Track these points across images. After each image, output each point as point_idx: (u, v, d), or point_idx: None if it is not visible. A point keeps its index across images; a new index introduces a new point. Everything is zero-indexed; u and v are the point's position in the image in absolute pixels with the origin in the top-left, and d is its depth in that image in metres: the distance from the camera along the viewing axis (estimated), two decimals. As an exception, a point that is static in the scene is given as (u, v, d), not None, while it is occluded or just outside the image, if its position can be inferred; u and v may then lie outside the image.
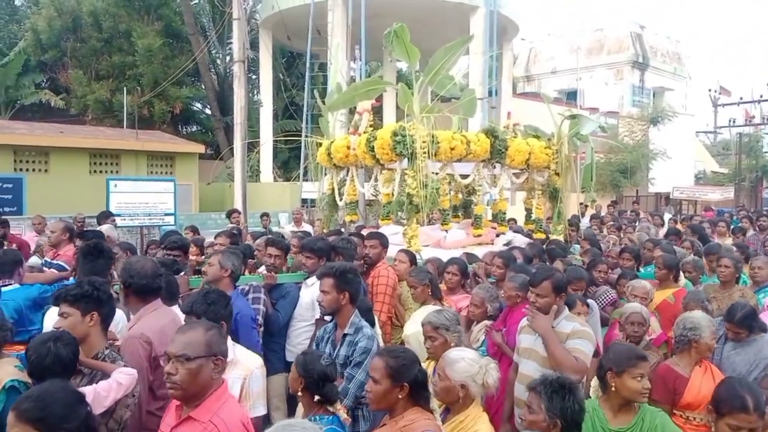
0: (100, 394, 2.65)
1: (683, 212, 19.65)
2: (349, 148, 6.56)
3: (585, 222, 12.49)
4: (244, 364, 3.18)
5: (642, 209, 17.55)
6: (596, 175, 20.95)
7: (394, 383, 2.64)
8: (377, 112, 21.23)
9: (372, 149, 6.12)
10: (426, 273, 4.76)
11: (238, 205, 15.21)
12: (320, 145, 7.25)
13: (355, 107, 7.07)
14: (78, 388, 2.60)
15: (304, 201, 16.80)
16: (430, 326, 3.54)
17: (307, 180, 12.08)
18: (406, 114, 6.29)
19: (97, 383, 2.73)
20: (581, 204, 13.55)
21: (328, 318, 3.92)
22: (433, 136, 6.04)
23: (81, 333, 2.88)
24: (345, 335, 3.64)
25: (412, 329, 4.30)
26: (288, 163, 24.89)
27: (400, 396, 2.66)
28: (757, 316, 4.21)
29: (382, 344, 4.12)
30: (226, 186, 21.16)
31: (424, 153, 5.90)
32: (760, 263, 5.82)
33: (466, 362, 2.91)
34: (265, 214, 12.31)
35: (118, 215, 13.66)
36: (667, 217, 15.32)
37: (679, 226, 11.62)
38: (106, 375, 2.78)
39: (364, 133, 6.40)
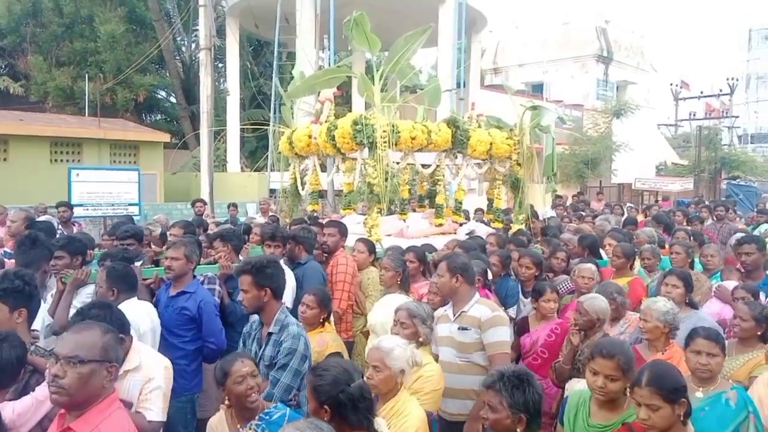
0: (39, 401, 2.54)
1: (644, 202, 20.09)
2: (310, 137, 6.53)
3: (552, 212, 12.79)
4: (147, 369, 3.00)
5: (605, 200, 17.88)
6: (561, 166, 21.42)
7: (318, 404, 2.49)
8: (347, 102, 21.16)
9: (333, 138, 6.10)
10: (402, 261, 4.77)
11: (204, 195, 15.04)
12: (283, 134, 7.21)
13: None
14: (24, 398, 2.55)
15: (272, 191, 16.68)
16: (407, 313, 3.54)
17: (275, 170, 12.02)
18: (369, 104, 6.29)
19: (33, 382, 2.61)
20: (556, 194, 13.83)
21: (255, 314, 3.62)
22: (393, 126, 6.06)
23: (6, 330, 2.73)
24: (270, 334, 3.37)
25: (378, 318, 4.29)
26: (255, 153, 24.65)
27: (326, 418, 2.45)
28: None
29: (333, 341, 3.98)
30: (193, 176, 20.88)
31: (385, 142, 5.91)
32: (712, 251, 6.01)
33: (401, 348, 2.96)
34: (232, 204, 12.23)
35: (81, 205, 13.40)
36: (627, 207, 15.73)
37: (640, 216, 11.96)
38: (36, 372, 2.66)
39: (326, 122, 6.38)
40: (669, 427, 2.55)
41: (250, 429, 2.76)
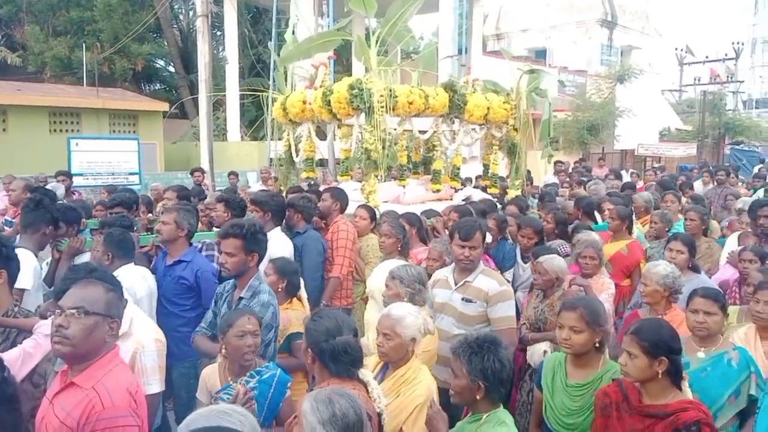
0: (28, 353, 2.57)
1: (646, 168, 19.95)
2: (305, 102, 6.46)
3: (554, 178, 12.80)
4: (136, 337, 2.97)
5: (607, 166, 17.77)
6: (564, 132, 21.19)
7: (306, 345, 2.58)
8: (347, 69, 20.85)
9: (328, 104, 6.02)
10: (402, 228, 4.77)
11: (204, 164, 15.00)
12: (276, 100, 7.13)
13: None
14: (11, 350, 2.58)
15: (272, 160, 16.62)
16: (390, 275, 3.60)
17: (272, 139, 12.00)
18: (369, 70, 6.19)
19: (19, 342, 2.63)
20: (558, 162, 13.83)
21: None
22: (390, 90, 5.97)
23: None
24: (241, 298, 3.37)
25: (378, 284, 4.26)
26: (256, 122, 24.47)
27: (309, 361, 2.58)
28: None
29: (297, 320, 3.70)
30: (193, 145, 20.79)
31: (382, 107, 5.83)
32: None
33: (412, 316, 2.95)
34: (232, 173, 12.21)
35: (80, 174, 13.41)
36: (630, 172, 15.69)
37: (639, 182, 11.93)
38: (22, 332, 2.69)
39: (320, 87, 6.30)
40: (646, 379, 2.60)
41: (240, 384, 2.82)
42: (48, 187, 7.88)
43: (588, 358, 2.94)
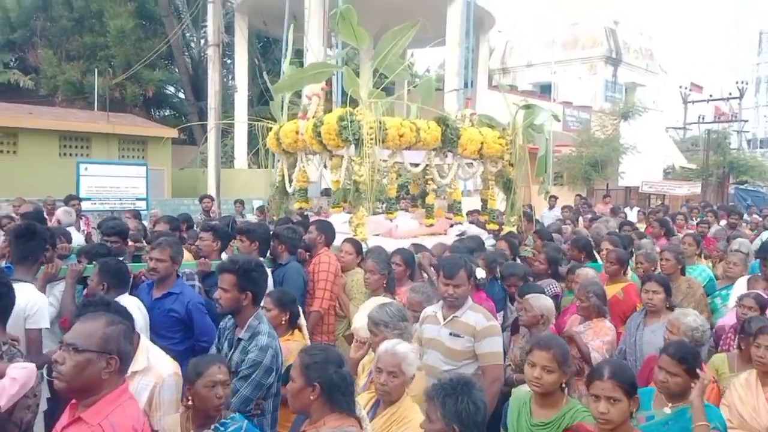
0: None
1: (650, 206, 19.84)
2: (297, 133, 6.50)
3: (555, 213, 12.73)
4: (156, 371, 2.96)
5: (611, 203, 17.70)
6: (568, 168, 21.15)
7: (306, 382, 2.48)
8: (353, 100, 21.06)
9: (319, 134, 6.05)
10: (387, 264, 4.69)
11: (211, 191, 15.09)
12: (270, 129, 7.19)
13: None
14: None
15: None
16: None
17: (261, 167, 12.08)
18: (358, 100, 6.18)
19: None
20: (551, 197, 13.77)
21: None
22: (380, 122, 5.97)
23: None
24: (240, 340, 3.24)
25: (362, 321, 4.09)
26: (266, 150, 24.66)
27: (312, 397, 2.47)
28: None
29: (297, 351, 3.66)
30: (200, 172, 20.95)
31: (372, 139, 5.85)
32: (736, 260, 5.87)
33: (413, 353, 2.96)
34: (238, 201, 12.26)
35: (89, 199, 13.53)
36: (636, 210, 15.65)
37: (641, 224, 11.82)
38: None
39: (313, 117, 6.35)
40: (622, 423, 2.59)
41: None
42: (60, 211, 7.92)
43: (553, 397, 2.94)
